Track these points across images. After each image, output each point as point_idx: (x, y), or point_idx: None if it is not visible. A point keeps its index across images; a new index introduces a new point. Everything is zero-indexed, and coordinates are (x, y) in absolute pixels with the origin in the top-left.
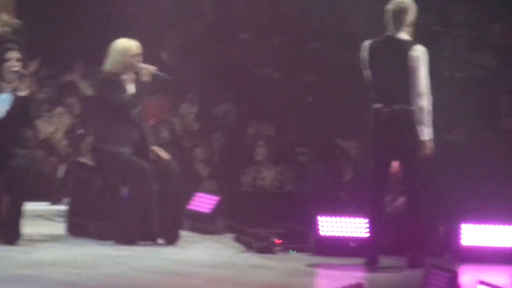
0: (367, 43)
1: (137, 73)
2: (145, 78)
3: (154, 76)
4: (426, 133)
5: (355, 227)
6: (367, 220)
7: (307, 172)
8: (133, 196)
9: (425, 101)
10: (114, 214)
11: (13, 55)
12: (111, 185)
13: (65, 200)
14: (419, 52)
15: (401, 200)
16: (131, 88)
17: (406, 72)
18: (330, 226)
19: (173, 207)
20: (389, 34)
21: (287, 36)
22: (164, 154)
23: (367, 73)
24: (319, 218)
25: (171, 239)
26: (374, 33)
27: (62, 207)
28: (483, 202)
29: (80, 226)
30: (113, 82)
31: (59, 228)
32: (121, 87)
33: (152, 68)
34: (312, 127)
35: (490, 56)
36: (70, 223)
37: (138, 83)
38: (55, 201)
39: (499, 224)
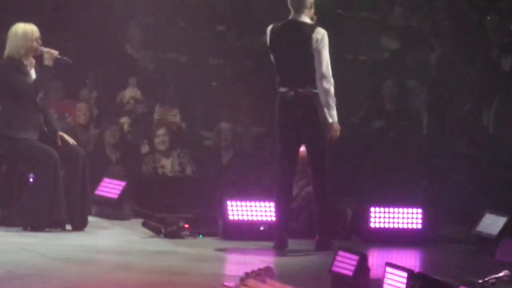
0: (269, 28)
1: (39, 57)
2: (48, 62)
3: (56, 60)
4: (332, 115)
5: (263, 211)
6: (274, 204)
7: (212, 156)
8: (40, 182)
9: (328, 84)
10: (21, 200)
11: None
12: (17, 171)
13: None
14: (320, 35)
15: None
16: (32, 73)
17: (309, 55)
18: (239, 210)
19: (81, 193)
20: (291, 18)
21: (191, 20)
22: (70, 140)
23: (272, 57)
24: (228, 202)
25: (79, 225)
26: (279, 17)
27: None
28: (390, 185)
29: None
30: (15, 67)
31: None
32: (24, 72)
33: (54, 52)
34: (215, 111)
35: (393, 39)
36: None
37: (40, 67)
38: None
39: (405, 207)
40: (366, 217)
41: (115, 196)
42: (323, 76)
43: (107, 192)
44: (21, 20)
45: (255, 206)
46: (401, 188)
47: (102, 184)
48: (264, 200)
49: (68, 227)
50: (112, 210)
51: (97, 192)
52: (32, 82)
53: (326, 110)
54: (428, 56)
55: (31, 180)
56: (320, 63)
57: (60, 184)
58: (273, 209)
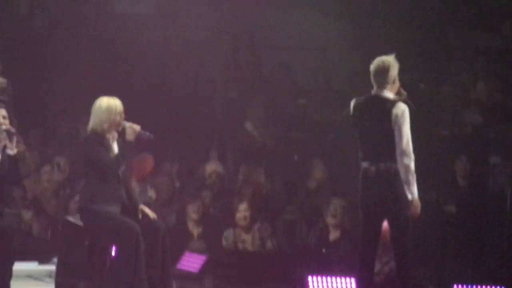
0: (352, 102)
1: (120, 131)
2: (130, 137)
3: (138, 135)
4: (412, 192)
5: (345, 286)
6: (356, 280)
7: (294, 230)
8: (122, 256)
9: (408, 160)
10: (103, 274)
11: (0, 113)
12: (99, 245)
13: (54, 259)
14: (401, 110)
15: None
16: (114, 147)
17: (389, 130)
18: (320, 286)
19: (162, 268)
20: (374, 93)
21: (271, 93)
22: (151, 213)
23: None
24: (309, 277)
25: None
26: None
27: (51, 267)
28: (475, 263)
29: (69, 286)
30: (98, 141)
31: None
32: (106, 146)
33: (137, 127)
34: (298, 187)
35: (476, 113)
36: (59, 283)
37: (121, 141)
38: (43, 261)
39: (490, 286)
40: None
41: (196, 271)
42: (403, 152)
43: (188, 266)
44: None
45: (336, 282)
46: (485, 264)
47: (183, 258)
48: (345, 276)
49: None
50: (194, 284)
51: (179, 266)
52: (114, 157)
53: (406, 187)
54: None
55: (113, 253)
56: (400, 138)
57: (142, 258)
58: (354, 285)
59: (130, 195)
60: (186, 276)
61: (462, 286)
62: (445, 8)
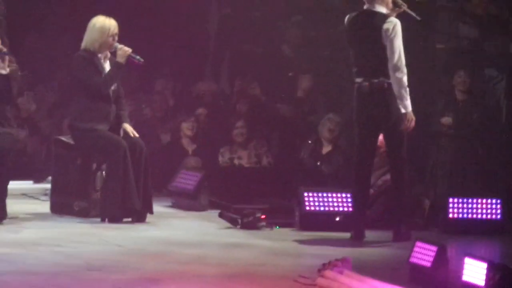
0: (346, 18)
1: (113, 52)
2: (121, 59)
3: (129, 58)
4: (405, 106)
5: (340, 201)
6: (352, 195)
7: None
8: (111, 172)
9: (400, 74)
10: (98, 192)
11: None
12: (92, 163)
13: (48, 178)
14: (392, 25)
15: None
16: (106, 66)
17: (381, 45)
18: (316, 201)
19: (144, 185)
20: (365, 7)
21: (266, 9)
22: (131, 132)
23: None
24: (305, 193)
25: (141, 217)
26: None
27: (46, 185)
28: (470, 176)
29: (64, 205)
30: (88, 60)
31: (44, 206)
32: (96, 65)
33: (128, 50)
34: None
35: (471, 27)
36: (54, 202)
37: (113, 61)
38: (38, 180)
39: (484, 198)
40: (444, 208)
41: (192, 188)
42: (395, 67)
43: (184, 183)
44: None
45: (332, 196)
46: (480, 178)
47: (179, 176)
48: (341, 191)
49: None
50: (189, 201)
51: (174, 184)
52: (102, 77)
53: (399, 101)
54: (507, 44)
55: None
56: (392, 53)
57: (130, 173)
58: (349, 199)
59: (117, 114)
60: (182, 193)
61: (458, 199)
62: None
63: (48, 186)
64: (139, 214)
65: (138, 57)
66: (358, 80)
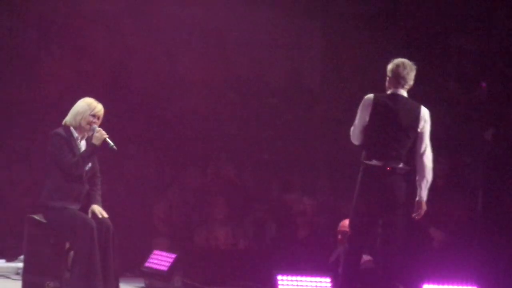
0: (370, 96)
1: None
2: (96, 141)
3: (103, 142)
4: (425, 195)
5: (315, 286)
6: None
7: (264, 229)
8: (78, 252)
9: (431, 163)
10: (68, 271)
11: None
12: (64, 243)
13: (21, 257)
14: (428, 115)
15: (366, 257)
16: (82, 145)
17: (414, 133)
18: (290, 284)
19: (112, 266)
20: (393, 91)
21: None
22: (100, 213)
23: (358, 126)
24: (278, 276)
25: None
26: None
27: (18, 264)
28: (443, 263)
29: (36, 285)
30: (65, 139)
31: (16, 285)
32: (71, 146)
33: (104, 134)
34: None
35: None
36: (26, 282)
37: (89, 141)
38: (10, 258)
39: (461, 285)
40: None
41: (165, 268)
42: (427, 154)
43: (156, 264)
44: None
45: (307, 281)
46: (456, 265)
47: (152, 256)
48: (316, 275)
49: None
50: (162, 282)
51: (147, 264)
52: (75, 158)
53: (420, 189)
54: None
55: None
56: (424, 141)
57: (95, 255)
58: (327, 285)
59: (89, 194)
60: (155, 274)
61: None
62: None
63: (21, 265)
64: None
65: (112, 144)
66: (376, 163)
